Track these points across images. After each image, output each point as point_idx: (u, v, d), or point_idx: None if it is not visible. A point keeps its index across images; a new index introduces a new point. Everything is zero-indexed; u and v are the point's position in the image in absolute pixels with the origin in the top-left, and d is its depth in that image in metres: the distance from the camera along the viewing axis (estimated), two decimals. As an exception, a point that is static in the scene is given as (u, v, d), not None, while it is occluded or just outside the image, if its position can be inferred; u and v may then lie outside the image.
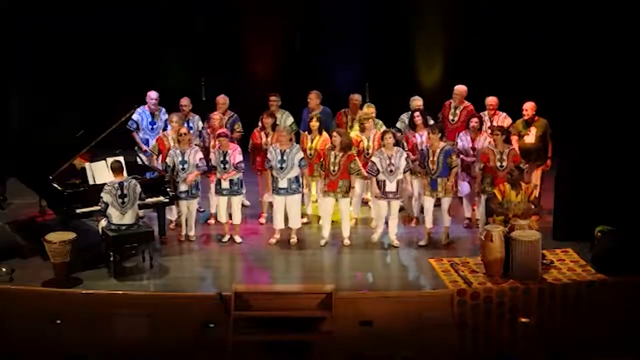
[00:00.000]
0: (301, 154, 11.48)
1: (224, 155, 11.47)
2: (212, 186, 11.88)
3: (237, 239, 11.71)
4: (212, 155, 11.62)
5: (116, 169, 10.78)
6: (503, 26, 14.15)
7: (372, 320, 9.97)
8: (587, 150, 11.23)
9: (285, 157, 11.36)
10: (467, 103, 12.45)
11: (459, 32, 14.36)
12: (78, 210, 11.07)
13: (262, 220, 12.24)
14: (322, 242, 11.58)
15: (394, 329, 9.92)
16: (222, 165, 11.50)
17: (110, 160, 11.37)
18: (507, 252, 10.33)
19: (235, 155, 11.48)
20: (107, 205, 10.56)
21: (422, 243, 11.52)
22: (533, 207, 10.88)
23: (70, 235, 10.45)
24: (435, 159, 11.31)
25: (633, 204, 11.05)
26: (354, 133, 12.02)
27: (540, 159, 11.95)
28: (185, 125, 12.10)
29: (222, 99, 12.45)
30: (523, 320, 10.06)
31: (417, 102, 12.33)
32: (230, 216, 11.68)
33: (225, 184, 11.54)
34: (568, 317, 10.17)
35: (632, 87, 11.00)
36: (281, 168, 11.36)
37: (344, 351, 9.83)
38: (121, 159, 11.36)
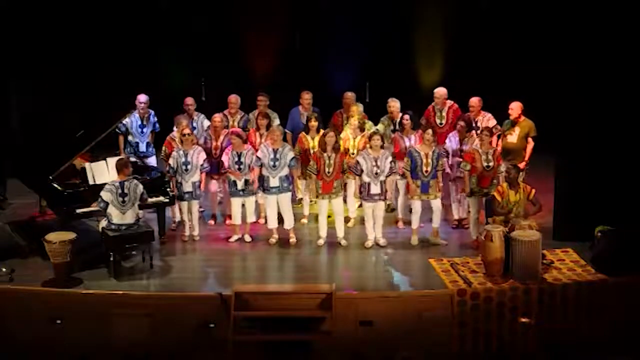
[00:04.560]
0: (292, 154, 11.50)
1: (239, 156, 11.47)
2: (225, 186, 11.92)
3: (247, 237, 11.72)
4: (224, 157, 11.60)
5: (120, 167, 10.77)
6: (503, 25, 14.15)
7: (372, 320, 9.97)
8: (587, 150, 11.22)
9: (278, 156, 11.37)
10: (450, 103, 12.40)
11: (459, 32, 14.36)
12: (78, 210, 11.07)
13: (262, 220, 12.25)
14: (320, 241, 11.59)
15: (394, 329, 9.92)
16: (236, 167, 11.50)
17: (110, 160, 11.39)
18: (507, 252, 10.33)
19: (250, 156, 11.49)
20: (106, 204, 10.56)
21: (414, 242, 11.52)
22: (533, 206, 10.89)
23: (70, 235, 10.46)
24: (430, 160, 11.31)
25: (633, 204, 11.05)
26: (346, 132, 12.01)
27: (519, 159, 11.90)
28: (190, 124, 12.11)
29: (234, 98, 12.45)
30: (523, 320, 10.06)
31: (395, 103, 12.21)
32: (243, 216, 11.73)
33: (240, 185, 11.55)
34: (568, 317, 10.18)
35: (632, 86, 11.00)
36: (274, 166, 11.37)
37: (344, 351, 9.83)
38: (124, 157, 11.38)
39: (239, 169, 11.49)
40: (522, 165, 11.90)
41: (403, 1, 14.47)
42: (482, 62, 14.03)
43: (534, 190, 10.98)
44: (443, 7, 14.44)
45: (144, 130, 12.48)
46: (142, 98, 12.42)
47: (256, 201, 12.11)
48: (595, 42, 10.98)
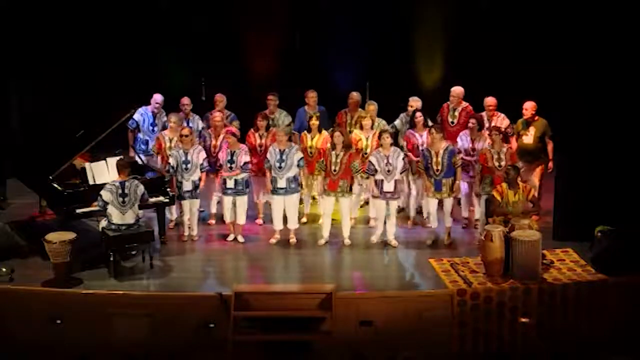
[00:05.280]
0: (300, 154, 11.50)
1: (232, 155, 11.48)
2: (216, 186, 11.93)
3: (240, 238, 11.72)
4: (221, 154, 11.61)
5: (121, 167, 10.76)
6: (504, 25, 14.15)
7: (372, 320, 9.97)
8: (586, 151, 11.23)
9: (284, 157, 11.37)
10: (465, 104, 12.44)
11: (459, 31, 14.36)
12: (78, 210, 11.07)
13: (260, 221, 12.26)
14: (322, 241, 11.59)
15: (394, 329, 9.92)
16: (228, 165, 11.50)
17: (110, 160, 11.39)
18: (507, 252, 10.33)
19: (242, 155, 11.49)
20: (105, 203, 10.56)
21: (429, 242, 11.52)
22: (532, 205, 10.90)
23: (70, 235, 10.45)
24: (440, 159, 11.31)
25: (633, 204, 11.05)
26: (356, 131, 12.04)
27: (538, 160, 11.93)
28: (185, 124, 12.12)
29: (220, 97, 12.48)
30: (523, 320, 10.06)
31: (416, 102, 12.31)
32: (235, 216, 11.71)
33: (230, 184, 11.55)
34: (568, 317, 10.18)
35: (632, 86, 11.00)
36: (280, 167, 11.37)
37: (344, 351, 9.83)
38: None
39: (231, 167, 11.50)
40: (550, 165, 11.92)
41: (403, 1, 14.47)
42: (482, 62, 14.02)
43: (533, 191, 10.99)
44: (443, 7, 14.43)
45: (155, 129, 12.49)
46: (159, 98, 12.48)
47: (254, 201, 12.14)
48: (595, 42, 10.98)
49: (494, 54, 14.08)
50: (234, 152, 11.50)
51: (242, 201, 11.64)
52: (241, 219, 11.69)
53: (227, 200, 11.65)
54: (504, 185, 10.80)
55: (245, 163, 11.49)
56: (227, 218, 11.72)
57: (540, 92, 12.26)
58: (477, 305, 10.06)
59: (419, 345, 9.86)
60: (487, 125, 12.04)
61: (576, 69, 11.17)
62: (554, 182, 11.65)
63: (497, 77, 13.53)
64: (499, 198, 10.76)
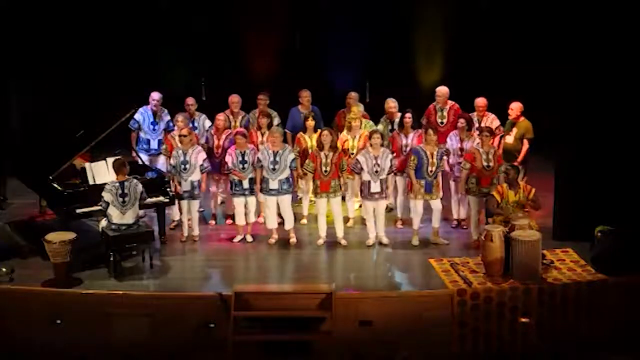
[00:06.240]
0: (293, 155, 11.49)
1: (243, 155, 11.47)
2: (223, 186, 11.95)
3: (249, 237, 11.73)
4: (227, 157, 11.58)
5: (118, 168, 10.77)
6: (503, 25, 14.15)
7: (372, 320, 9.97)
8: (586, 150, 11.22)
9: (277, 159, 11.36)
10: (451, 103, 12.41)
11: (459, 31, 14.36)
12: (78, 210, 11.07)
13: (261, 219, 12.26)
14: (320, 241, 11.59)
15: (394, 329, 9.92)
16: (241, 165, 11.49)
17: (110, 160, 11.38)
18: (507, 252, 10.33)
19: (253, 154, 11.50)
20: (107, 204, 10.56)
21: (414, 243, 11.52)
22: (533, 203, 10.89)
23: (70, 235, 10.45)
24: (435, 160, 11.32)
25: (633, 204, 11.05)
26: (344, 132, 12.03)
27: (514, 160, 11.89)
28: (190, 124, 12.12)
29: (236, 98, 12.43)
30: (523, 320, 10.06)
31: (391, 104, 12.27)
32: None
33: (245, 184, 11.54)
34: (568, 317, 10.18)
35: (632, 86, 10.99)
36: (273, 169, 11.36)
37: (344, 351, 9.83)
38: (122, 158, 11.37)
39: (243, 167, 11.50)
40: (515, 164, 11.91)
41: (403, 1, 14.48)
42: (482, 62, 14.03)
43: (533, 190, 10.98)
44: (443, 7, 14.44)
45: (156, 127, 12.47)
46: (155, 95, 12.44)
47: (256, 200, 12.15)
48: (595, 42, 10.97)
49: (494, 54, 14.09)
50: (245, 152, 11.48)
51: (253, 200, 11.65)
52: (251, 218, 11.70)
53: (239, 201, 11.61)
54: (504, 185, 10.81)
55: (257, 162, 11.51)
56: (240, 220, 11.68)
57: (540, 92, 12.26)
58: (477, 305, 10.06)
59: (418, 345, 9.87)
60: (476, 125, 12.03)
61: (576, 69, 11.15)
62: (554, 182, 11.64)
63: (497, 77, 13.53)
64: (498, 198, 10.76)
